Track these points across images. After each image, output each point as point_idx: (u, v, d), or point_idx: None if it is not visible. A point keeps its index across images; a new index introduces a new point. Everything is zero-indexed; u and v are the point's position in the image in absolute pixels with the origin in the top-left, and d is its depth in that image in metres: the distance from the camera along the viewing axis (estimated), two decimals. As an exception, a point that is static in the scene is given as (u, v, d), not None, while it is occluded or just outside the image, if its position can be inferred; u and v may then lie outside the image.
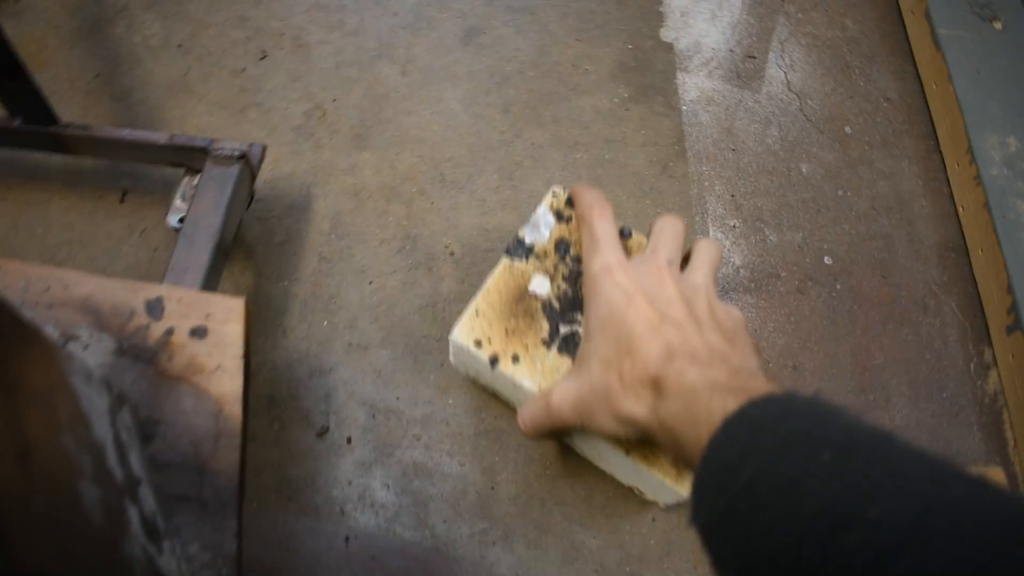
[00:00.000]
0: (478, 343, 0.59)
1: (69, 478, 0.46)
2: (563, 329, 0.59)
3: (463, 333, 0.59)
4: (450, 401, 0.71)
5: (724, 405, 0.37)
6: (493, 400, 0.71)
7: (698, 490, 0.37)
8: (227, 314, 0.59)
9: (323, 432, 0.70)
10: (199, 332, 0.58)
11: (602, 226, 0.54)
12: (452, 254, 0.78)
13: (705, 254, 0.56)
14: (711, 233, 0.82)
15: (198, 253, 0.66)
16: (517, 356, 0.58)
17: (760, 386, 0.39)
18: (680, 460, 0.43)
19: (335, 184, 0.82)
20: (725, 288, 0.79)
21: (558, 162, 0.84)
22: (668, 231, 0.56)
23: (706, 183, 0.84)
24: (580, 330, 0.59)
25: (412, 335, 0.74)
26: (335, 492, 0.67)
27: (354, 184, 0.82)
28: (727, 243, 0.81)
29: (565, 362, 0.58)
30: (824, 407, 0.35)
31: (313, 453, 0.69)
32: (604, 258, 0.52)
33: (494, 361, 0.58)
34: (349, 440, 0.69)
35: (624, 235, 0.62)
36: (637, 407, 0.45)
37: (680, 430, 0.40)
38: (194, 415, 0.56)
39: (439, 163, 0.84)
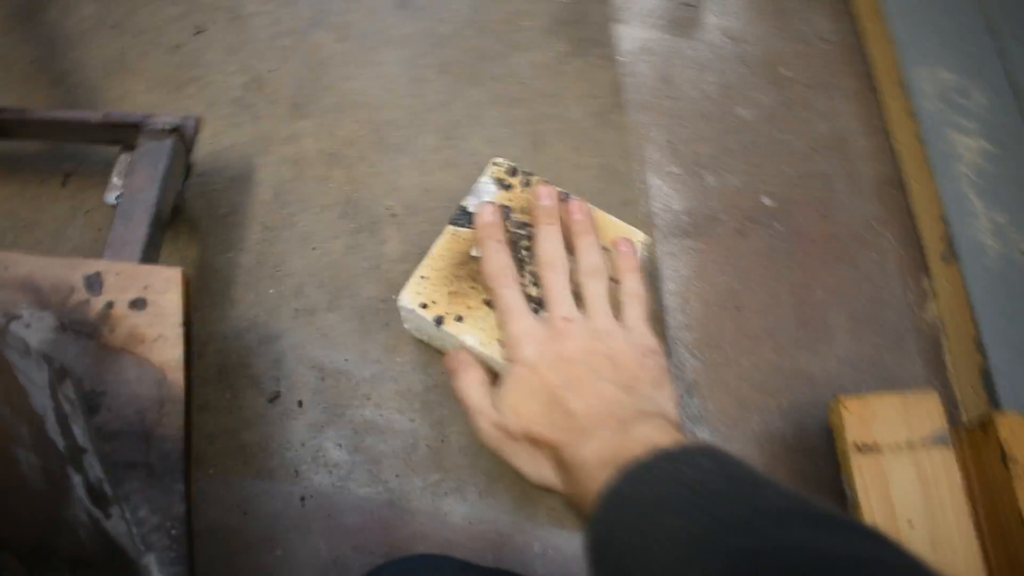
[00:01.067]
0: (424, 305, 0.61)
1: (4, 445, 0.47)
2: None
3: (409, 296, 0.62)
4: (398, 360, 0.72)
5: (599, 479, 0.40)
6: (440, 356, 0.72)
7: (587, 563, 0.40)
8: (165, 285, 0.60)
9: (274, 397, 0.71)
10: (138, 304, 0.58)
11: (508, 294, 0.56)
12: (395, 216, 0.79)
13: (630, 296, 0.57)
14: (649, 180, 0.83)
15: (135, 227, 0.67)
16: (461, 316, 0.60)
17: (645, 436, 0.42)
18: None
19: (276, 154, 0.82)
20: (665, 233, 0.80)
21: (497, 119, 0.85)
22: (556, 267, 0.58)
23: (644, 132, 0.85)
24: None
25: (358, 297, 0.75)
26: (289, 455, 0.68)
27: (295, 152, 0.82)
28: (666, 189, 0.82)
29: None
30: (686, 460, 0.38)
31: (266, 418, 0.70)
32: (514, 327, 0.53)
33: (439, 321, 0.60)
34: (300, 403, 0.71)
35: (563, 197, 0.64)
36: (549, 475, 0.48)
37: (580, 507, 0.43)
38: (138, 384, 0.57)
39: (379, 127, 0.84)
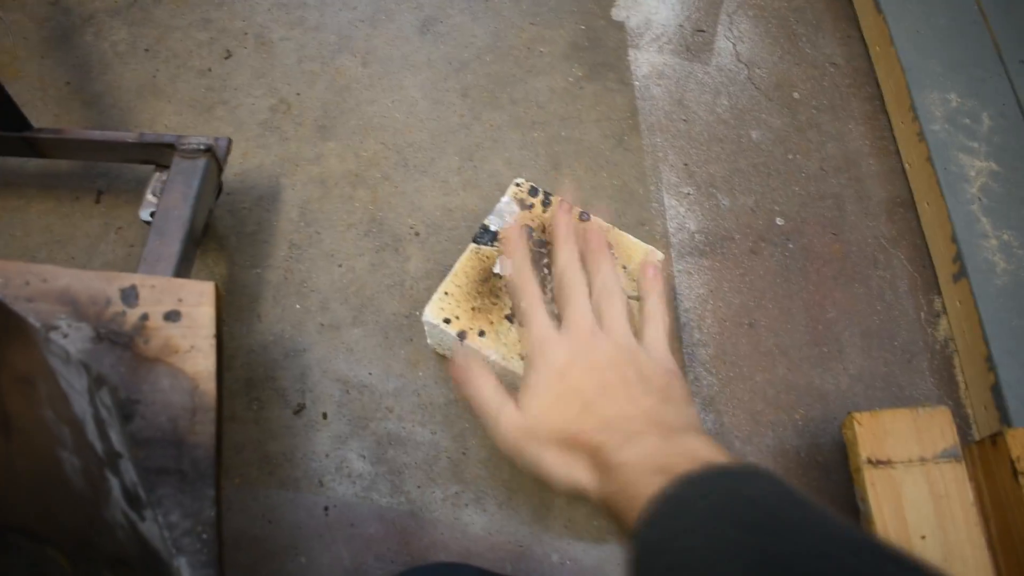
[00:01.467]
0: (447, 320, 0.62)
1: (49, 446, 0.49)
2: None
3: (433, 312, 0.63)
4: (420, 374, 0.74)
5: (652, 484, 0.39)
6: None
7: (631, 569, 0.39)
8: (198, 298, 0.62)
9: (299, 409, 0.73)
10: (172, 316, 0.61)
11: (533, 303, 0.54)
12: (417, 235, 0.81)
13: (651, 318, 0.57)
14: (665, 201, 0.85)
15: (169, 243, 0.69)
16: (483, 331, 0.62)
17: (692, 448, 0.41)
18: (623, 536, 0.45)
19: (302, 174, 0.85)
20: (681, 252, 0.82)
21: (516, 142, 0.87)
22: (575, 284, 0.55)
23: (660, 154, 0.88)
24: (547, 307, 0.63)
25: (382, 313, 0.77)
26: (313, 465, 0.70)
27: (320, 173, 0.85)
28: (681, 209, 0.85)
29: None
30: (743, 479, 0.37)
31: (291, 430, 0.72)
32: (541, 333, 0.52)
33: (462, 336, 0.62)
34: (325, 416, 0.72)
35: (583, 219, 0.66)
36: (583, 476, 0.46)
37: (619, 510, 0.42)
38: (171, 393, 0.59)
39: (402, 148, 0.87)
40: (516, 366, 0.60)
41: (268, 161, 0.86)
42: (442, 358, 0.74)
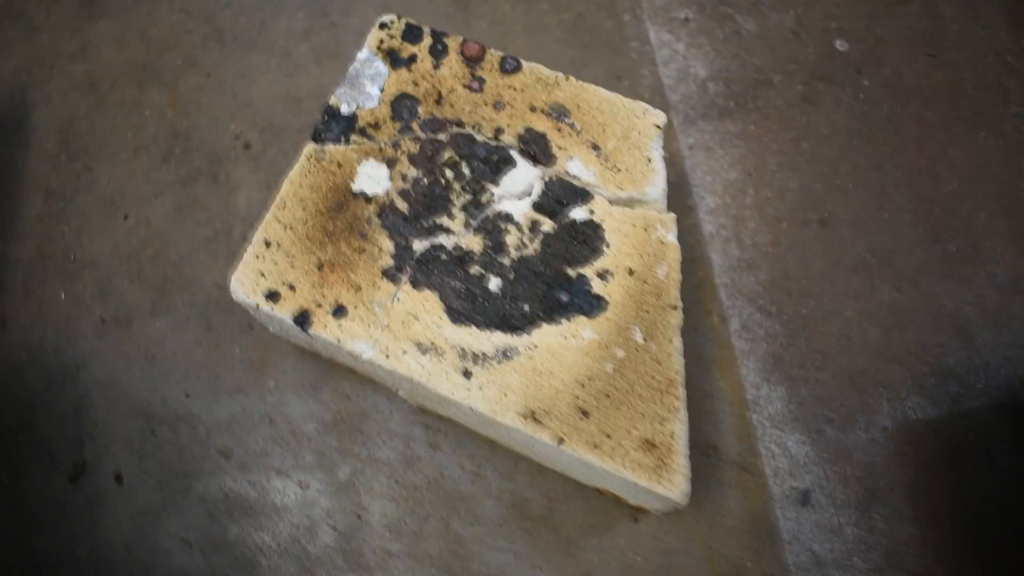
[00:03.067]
0: (273, 295, 0.35)
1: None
2: (418, 244, 0.36)
3: (245, 280, 0.37)
4: (270, 384, 0.43)
5: None
6: (340, 370, 0.43)
7: None
8: None
9: (78, 472, 0.43)
10: None
11: None
12: (247, 147, 0.49)
13: None
14: (653, 37, 0.52)
15: None
16: (342, 306, 0.35)
17: None
18: None
19: (61, 78, 0.52)
20: (689, 116, 0.49)
21: (398, -26, 0.54)
22: None
23: (634, -37, 0.54)
24: (455, 243, 0.33)
25: (199, 288, 0.46)
26: (109, 568, 0.40)
27: (88, 72, 0.52)
28: (679, 46, 0.51)
29: (430, 304, 0.31)
30: None
31: (67, 509, 0.42)
32: None
33: (303, 321, 0.34)
34: (119, 478, 0.42)
35: (507, 69, 0.36)
36: None
37: None
38: None
39: (213, 14, 0.53)
40: (406, 366, 0.30)
41: (8, 68, 0.53)
42: (304, 352, 0.43)
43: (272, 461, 0.42)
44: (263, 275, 0.36)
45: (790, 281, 0.45)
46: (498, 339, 0.34)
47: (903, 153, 0.49)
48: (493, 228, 0.35)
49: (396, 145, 0.37)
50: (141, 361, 0.45)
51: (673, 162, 0.48)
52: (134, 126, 0.50)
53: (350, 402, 0.43)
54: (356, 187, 0.37)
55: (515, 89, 0.38)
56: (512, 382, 0.33)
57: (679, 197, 0.47)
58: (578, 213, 0.36)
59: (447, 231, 0.35)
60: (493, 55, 0.39)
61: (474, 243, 0.35)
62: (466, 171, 0.36)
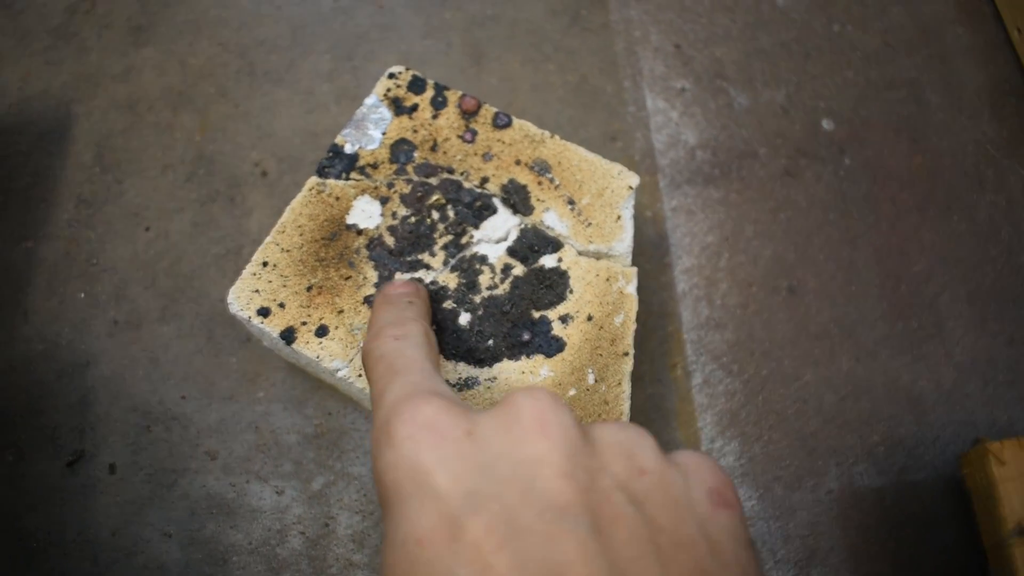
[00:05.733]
0: (264, 312, 0.38)
1: None
2: (399, 277, 0.39)
3: (241, 295, 0.39)
4: (260, 395, 0.47)
5: None
6: (324, 388, 0.47)
7: None
8: None
9: (76, 459, 0.46)
10: None
11: (406, 330, 0.31)
12: (264, 175, 0.53)
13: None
14: (649, 103, 0.55)
15: None
16: (324, 328, 0.37)
17: None
18: None
19: (103, 97, 0.57)
20: (675, 180, 0.53)
21: (418, 28, 0.58)
22: None
23: (637, 33, 0.58)
24: (432, 278, 0.39)
25: (205, 300, 0.49)
26: (93, 551, 0.43)
27: (129, 93, 0.57)
28: (673, 114, 0.55)
29: None
30: None
31: (62, 492, 0.45)
32: (407, 410, 0.24)
33: (288, 336, 0.37)
34: (112, 468, 0.45)
35: (499, 124, 0.40)
36: None
37: None
38: None
39: (248, 49, 0.58)
40: None
41: (57, 83, 0.58)
42: (294, 369, 0.46)
43: (253, 466, 0.45)
44: (257, 292, 0.39)
45: (754, 343, 0.48)
46: (462, 369, 0.37)
47: (876, 231, 0.52)
48: (469, 268, 0.39)
49: (391, 185, 0.41)
50: (145, 362, 0.48)
51: (655, 222, 0.51)
52: (164, 146, 0.55)
53: (331, 418, 0.46)
54: (350, 220, 0.40)
55: (504, 143, 0.41)
56: (470, 410, 0.35)
57: (657, 255, 0.50)
58: (548, 260, 0.39)
59: (427, 267, 0.39)
60: (487, 110, 0.42)
61: (450, 280, 0.38)
62: (451, 214, 0.40)
